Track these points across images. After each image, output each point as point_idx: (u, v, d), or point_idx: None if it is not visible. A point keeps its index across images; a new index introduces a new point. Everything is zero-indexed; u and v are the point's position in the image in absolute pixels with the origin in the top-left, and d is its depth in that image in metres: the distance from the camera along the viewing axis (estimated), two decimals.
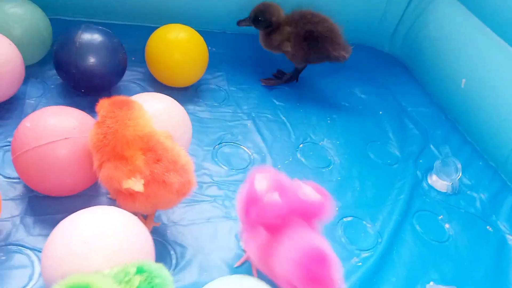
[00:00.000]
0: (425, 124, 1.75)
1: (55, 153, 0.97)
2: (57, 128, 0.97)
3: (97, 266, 0.79)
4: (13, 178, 1.12)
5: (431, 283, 1.17)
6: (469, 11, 1.74)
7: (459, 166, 1.48)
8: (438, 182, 1.50)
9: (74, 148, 0.98)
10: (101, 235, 0.82)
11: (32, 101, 1.34)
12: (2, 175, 1.13)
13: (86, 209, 0.87)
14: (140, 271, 0.76)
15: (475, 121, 1.69)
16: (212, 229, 1.16)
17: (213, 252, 1.11)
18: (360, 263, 1.19)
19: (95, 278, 0.71)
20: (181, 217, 1.16)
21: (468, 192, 1.51)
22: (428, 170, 1.54)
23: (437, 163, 1.51)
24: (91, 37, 1.27)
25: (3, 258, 0.97)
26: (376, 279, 1.17)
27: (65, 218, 0.86)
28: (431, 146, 1.66)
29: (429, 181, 1.51)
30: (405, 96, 1.87)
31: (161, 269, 0.78)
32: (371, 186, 1.43)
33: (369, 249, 1.23)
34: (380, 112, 1.75)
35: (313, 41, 1.58)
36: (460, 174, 1.48)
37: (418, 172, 1.53)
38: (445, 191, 1.49)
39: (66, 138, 0.97)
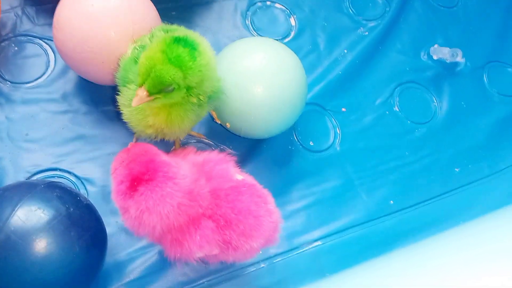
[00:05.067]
0: None
1: None
2: None
3: (106, 26, 0.83)
4: None
5: (436, 45, 1.20)
6: None
7: None
8: None
9: None
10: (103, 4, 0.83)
11: None
12: None
13: None
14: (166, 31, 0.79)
15: None
16: (218, 8, 1.15)
17: (219, 32, 1.12)
18: (367, 33, 1.20)
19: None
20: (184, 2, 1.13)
21: None
22: None
23: None
24: None
25: (16, 49, 0.99)
26: (380, 47, 1.19)
27: None
28: None
29: None
30: None
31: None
32: None
33: (376, 19, 1.23)
34: None
35: None
36: None
37: None
38: None
39: None
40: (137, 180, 0.63)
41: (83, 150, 0.92)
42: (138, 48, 0.81)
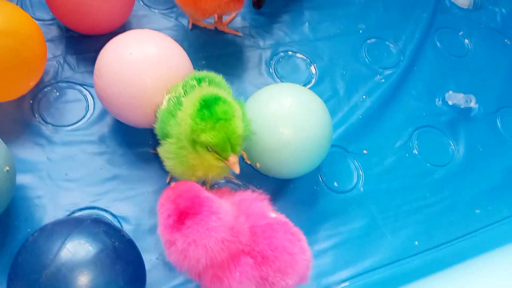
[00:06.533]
0: None
1: None
2: None
3: (143, 73, 0.89)
4: (46, 20, 1.15)
5: (450, 92, 1.26)
6: None
7: None
8: None
9: None
10: (143, 48, 0.90)
11: None
12: (34, 18, 1.15)
13: (126, 32, 0.93)
14: (199, 80, 0.85)
15: None
16: (244, 58, 1.23)
17: (246, 79, 1.19)
18: (383, 80, 1.26)
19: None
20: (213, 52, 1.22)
21: (490, 7, 1.51)
22: None
23: None
24: None
25: (57, 94, 1.06)
26: (397, 93, 1.26)
27: (106, 45, 0.92)
28: None
29: None
30: None
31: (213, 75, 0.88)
32: (394, 6, 1.43)
33: (391, 67, 1.30)
34: None
35: None
36: None
37: None
38: (466, 7, 1.49)
39: None
40: (184, 214, 0.66)
41: (119, 190, 0.96)
42: (173, 99, 0.85)
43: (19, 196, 0.91)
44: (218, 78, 0.89)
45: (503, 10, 1.50)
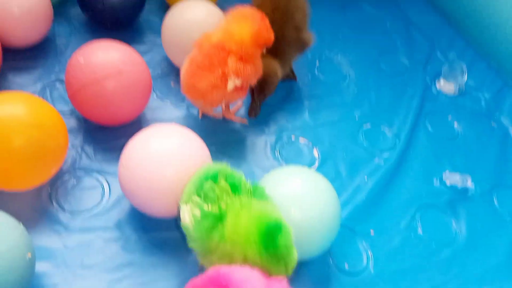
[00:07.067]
0: (431, 33, 1.82)
1: (110, 86, 1.06)
2: (109, 62, 1.06)
3: (166, 166, 0.94)
4: (66, 111, 1.22)
5: (447, 172, 1.33)
6: None
7: (465, 68, 1.59)
8: (446, 86, 1.61)
9: (126, 80, 1.08)
10: (168, 141, 0.97)
11: (64, 40, 1.40)
12: None
13: (150, 127, 1.00)
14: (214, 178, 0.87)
15: (476, 25, 1.76)
16: (250, 143, 1.30)
17: (253, 162, 1.25)
18: (382, 162, 1.33)
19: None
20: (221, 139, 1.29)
21: (473, 93, 1.64)
22: (436, 75, 1.64)
23: (445, 68, 1.61)
24: None
25: (75, 182, 1.10)
26: (397, 175, 1.32)
27: (134, 136, 0.98)
28: (438, 52, 1.75)
29: (438, 86, 1.62)
30: (411, 6, 1.92)
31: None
32: (385, 95, 1.55)
33: (388, 150, 1.37)
34: (388, 24, 1.82)
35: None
36: (466, 76, 1.59)
37: (427, 78, 1.63)
38: (452, 93, 1.61)
39: (119, 71, 1.05)
40: None
41: (134, 276, 0.97)
42: (196, 211, 0.84)
43: (36, 283, 0.91)
44: (228, 169, 0.91)
45: (486, 96, 1.62)
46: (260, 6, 1.26)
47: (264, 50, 1.19)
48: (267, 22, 1.14)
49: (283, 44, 1.29)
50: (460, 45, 1.79)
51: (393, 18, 1.85)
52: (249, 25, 1.10)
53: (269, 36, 1.14)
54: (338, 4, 1.85)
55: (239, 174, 0.92)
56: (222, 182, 0.86)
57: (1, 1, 1.21)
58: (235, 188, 0.86)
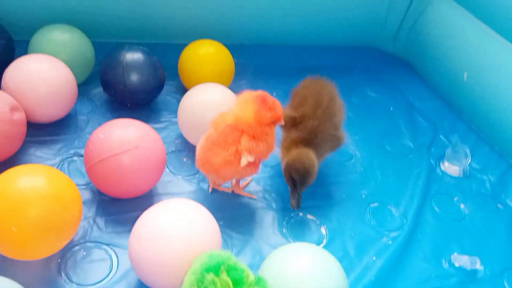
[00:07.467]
0: (433, 117, 1.90)
1: (127, 160, 1.12)
2: (127, 138, 1.12)
3: (176, 248, 0.94)
4: (81, 185, 1.27)
5: (455, 254, 1.32)
6: (465, 10, 1.90)
7: (468, 151, 1.64)
8: (450, 168, 1.65)
9: (142, 155, 1.13)
10: (178, 223, 0.98)
11: (84, 117, 1.49)
12: None
13: (164, 201, 1.02)
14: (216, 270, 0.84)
15: (478, 111, 1.84)
16: (258, 219, 1.31)
17: (261, 238, 1.26)
18: (390, 242, 1.33)
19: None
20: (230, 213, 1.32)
21: (478, 175, 1.67)
22: (440, 157, 1.69)
23: (448, 151, 1.66)
24: (135, 56, 1.42)
25: (84, 253, 1.11)
26: (405, 255, 1.31)
27: (147, 210, 1.01)
28: (441, 136, 1.81)
29: (442, 168, 1.66)
30: (412, 92, 2.03)
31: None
32: (391, 175, 1.58)
33: (396, 230, 1.38)
34: (391, 108, 1.91)
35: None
36: (469, 159, 1.64)
37: (431, 160, 1.68)
38: (457, 175, 1.64)
39: (136, 147, 1.11)
40: None
41: None
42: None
43: None
44: (231, 259, 0.88)
45: (491, 178, 1.65)
46: (301, 102, 1.38)
47: (298, 141, 1.31)
48: (269, 101, 1.18)
49: (320, 138, 1.35)
50: (462, 129, 1.86)
51: (396, 103, 1.95)
52: (250, 108, 1.17)
53: (272, 114, 1.18)
54: (343, 90, 1.95)
55: (242, 266, 0.88)
56: (224, 276, 0.82)
57: (30, 80, 1.31)
58: (237, 284, 0.82)
